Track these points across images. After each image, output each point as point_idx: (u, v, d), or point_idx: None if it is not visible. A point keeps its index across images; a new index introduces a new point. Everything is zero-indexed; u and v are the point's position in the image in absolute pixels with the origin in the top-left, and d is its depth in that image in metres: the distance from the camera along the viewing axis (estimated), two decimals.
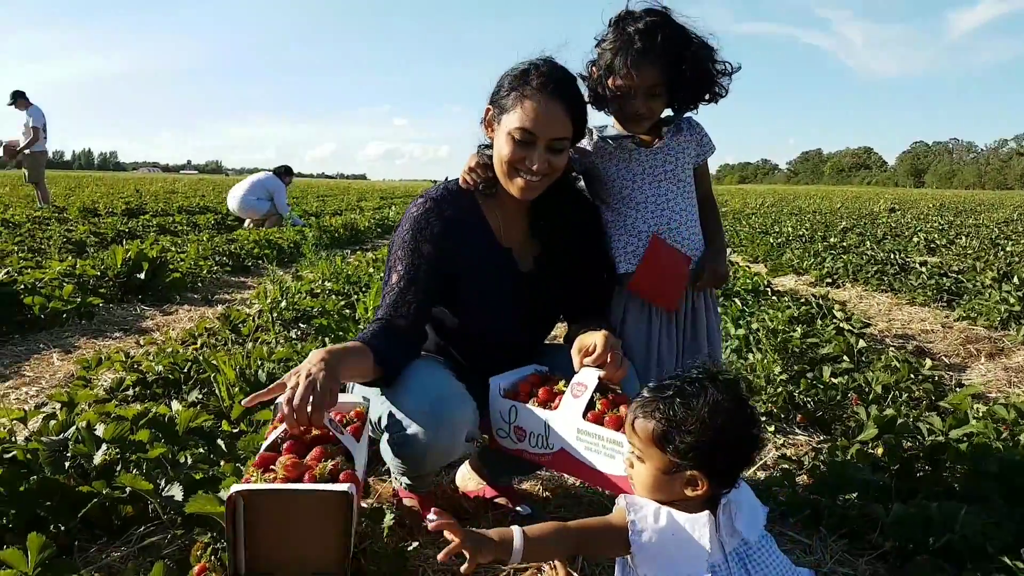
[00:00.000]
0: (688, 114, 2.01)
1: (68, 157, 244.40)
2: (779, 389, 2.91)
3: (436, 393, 1.66)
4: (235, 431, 2.19)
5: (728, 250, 8.56)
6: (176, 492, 1.61)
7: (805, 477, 2.27)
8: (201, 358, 2.69)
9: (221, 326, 3.80)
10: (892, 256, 7.77)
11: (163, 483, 1.64)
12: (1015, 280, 5.70)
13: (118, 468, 1.71)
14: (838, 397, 2.94)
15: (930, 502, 1.84)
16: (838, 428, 2.76)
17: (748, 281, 5.65)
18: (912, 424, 2.34)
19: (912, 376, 3.14)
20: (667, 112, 1.99)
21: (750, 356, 3.40)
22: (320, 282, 5.18)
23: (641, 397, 1.28)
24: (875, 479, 2.01)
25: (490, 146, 1.83)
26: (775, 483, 2.15)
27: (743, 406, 1.24)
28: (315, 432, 1.45)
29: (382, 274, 2.08)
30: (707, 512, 1.21)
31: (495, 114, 1.77)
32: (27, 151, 10.61)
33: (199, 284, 5.71)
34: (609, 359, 1.61)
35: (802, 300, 5.02)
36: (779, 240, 9.92)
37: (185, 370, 2.75)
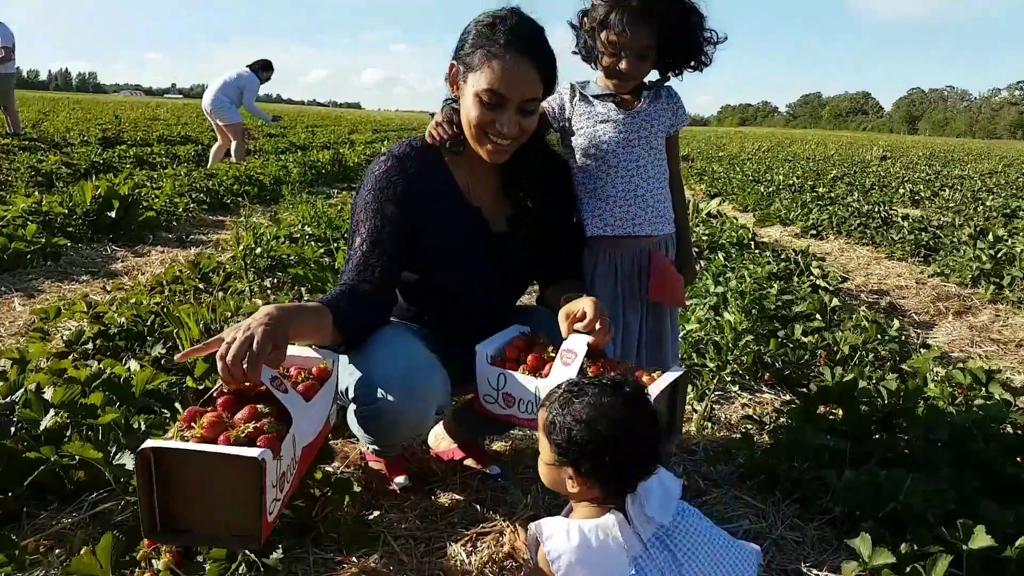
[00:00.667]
0: (669, 82, 2.01)
1: (44, 77, 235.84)
2: (746, 350, 2.92)
3: (406, 364, 1.60)
4: (200, 388, 2.14)
5: (719, 199, 8.53)
6: (127, 460, 1.58)
7: (767, 438, 2.31)
8: (164, 311, 2.63)
9: (190, 274, 3.70)
10: (876, 209, 7.76)
11: (114, 450, 1.61)
12: (989, 237, 5.72)
13: (69, 432, 1.67)
14: (807, 356, 2.97)
15: (881, 469, 1.87)
16: (804, 388, 2.80)
17: (734, 235, 5.63)
18: (874, 388, 2.37)
19: (879, 336, 3.17)
20: (652, 76, 1.98)
21: (725, 314, 3.41)
22: (300, 226, 5.04)
23: (555, 388, 1.29)
24: (831, 443, 2.03)
25: (457, 100, 1.75)
26: (735, 445, 2.18)
27: (637, 420, 1.22)
28: (261, 388, 1.35)
29: None
30: (611, 510, 1.22)
31: (460, 71, 1.66)
32: None
33: (174, 223, 5.54)
34: (598, 325, 1.58)
35: (783, 256, 5.01)
36: (770, 189, 9.86)
37: (149, 322, 2.67)
